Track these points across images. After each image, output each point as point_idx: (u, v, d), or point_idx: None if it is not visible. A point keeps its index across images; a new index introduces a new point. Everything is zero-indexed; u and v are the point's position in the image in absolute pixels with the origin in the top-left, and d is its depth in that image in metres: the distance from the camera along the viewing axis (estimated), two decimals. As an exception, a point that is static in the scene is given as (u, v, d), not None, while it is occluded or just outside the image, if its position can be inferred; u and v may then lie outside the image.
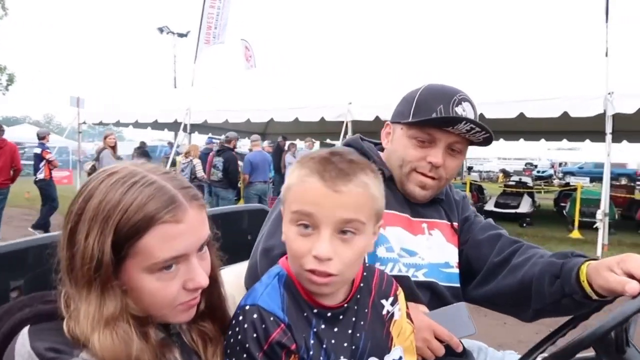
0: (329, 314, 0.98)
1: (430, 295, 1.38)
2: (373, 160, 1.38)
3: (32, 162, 9.82)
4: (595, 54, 7.40)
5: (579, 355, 1.07)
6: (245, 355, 0.92)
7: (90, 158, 12.94)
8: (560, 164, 38.89)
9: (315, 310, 0.97)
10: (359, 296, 1.04)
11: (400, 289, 1.13)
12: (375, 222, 0.98)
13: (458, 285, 1.44)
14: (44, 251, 0.89)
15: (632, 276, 1.00)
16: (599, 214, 7.45)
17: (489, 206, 11.89)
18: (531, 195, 12.58)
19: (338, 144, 8.22)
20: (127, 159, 8.68)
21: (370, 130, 1.53)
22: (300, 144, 13.70)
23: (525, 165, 36.30)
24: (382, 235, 1.32)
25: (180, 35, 34.75)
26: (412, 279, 1.35)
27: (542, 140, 14.65)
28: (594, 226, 7.79)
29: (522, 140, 14.67)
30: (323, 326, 0.97)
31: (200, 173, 9.34)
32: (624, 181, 19.15)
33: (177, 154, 12.14)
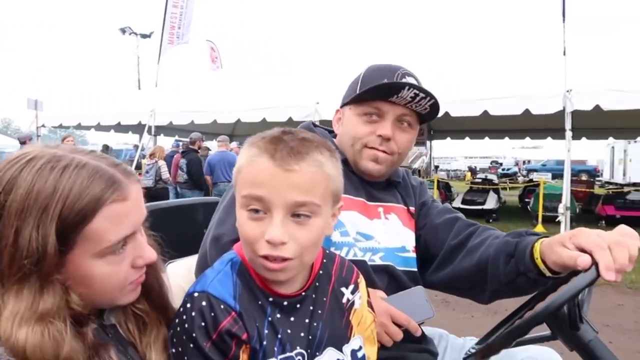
0: (285, 303, 0.94)
1: (388, 279, 1.35)
2: None
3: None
4: (554, 53, 7.63)
5: (535, 335, 1.07)
6: (191, 345, 0.86)
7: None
8: (524, 162, 40.09)
9: (270, 299, 0.93)
10: (317, 284, 0.99)
11: (361, 276, 1.10)
12: (333, 204, 0.93)
13: (415, 269, 1.42)
14: None
15: (584, 250, 0.99)
16: (561, 208, 7.65)
17: (457, 203, 12.17)
18: (497, 191, 12.99)
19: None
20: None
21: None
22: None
23: (491, 163, 37.34)
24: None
25: (144, 36, 34.21)
26: (369, 263, 1.33)
27: (507, 139, 15.10)
28: (557, 220, 8.02)
29: (487, 138, 15.08)
30: (279, 315, 0.93)
31: (165, 175, 9.15)
32: (584, 177, 19.87)
33: (142, 156, 11.87)
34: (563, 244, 1.05)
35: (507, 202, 14.86)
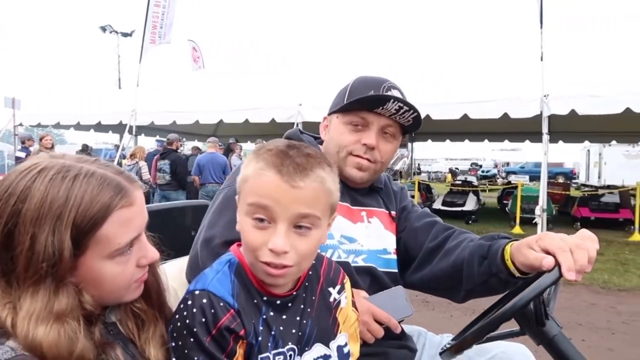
0: (278, 302, 1.00)
1: (370, 280, 1.42)
2: None
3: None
4: (532, 58, 7.80)
5: (505, 331, 1.15)
6: (192, 340, 0.92)
7: (28, 162, 12.24)
8: (503, 164, 40.72)
9: (265, 298, 0.99)
10: (307, 284, 1.06)
11: (347, 277, 1.17)
12: (329, 215, 1.00)
13: (396, 270, 1.49)
14: None
15: (548, 252, 1.08)
16: (538, 210, 7.81)
17: (437, 205, 12.30)
18: (476, 193, 13.17)
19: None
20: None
21: (321, 131, 1.59)
22: (250, 145, 13.58)
23: (471, 165, 37.80)
24: None
25: (124, 34, 33.76)
26: (352, 264, 1.40)
27: (486, 141, 15.29)
28: (534, 221, 8.19)
29: (467, 141, 15.26)
30: (272, 313, 0.99)
31: (146, 175, 9.08)
32: (560, 179, 20.32)
33: (123, 157, 11.75)
34: (530, 247, 1.14)
35: (487, 203, 15.10)
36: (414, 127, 1.46)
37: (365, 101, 1.39)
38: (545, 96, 7.35)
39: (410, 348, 1.44)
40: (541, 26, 7.62)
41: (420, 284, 1.50)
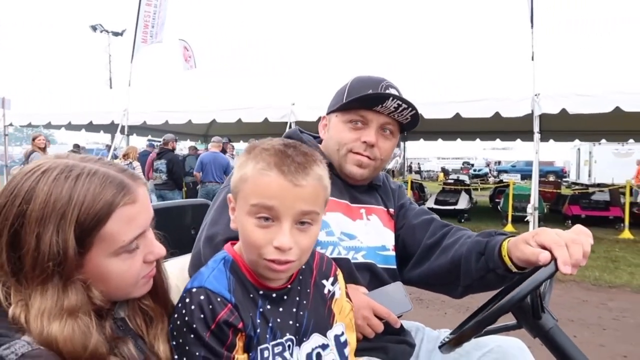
0: (273, 295, 1.03)
1: (370, 276, 1.44)
2: None
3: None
4: (523, 58, 7.87)
5: (503, 324, 1.18)
6: (192, 336, 0.94)
7: (18, 163, 12.18)
8: (495, 163, 40.99)
9: (261, 292, 1.01)
10: (301, 277, 1.09)
11: (339, 269, 1.20)
12: (324, 209, 1.03)
13: (394, 266, 1.52)
14: None
15: (545, 247, 1.11)
16: (529, 209, 7.88)
17: (430, 203, 12.37)
18: (468, 192, 13.26)
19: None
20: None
21: (314, 130, 1.60)
22: (243, 145, 13.57)
23: (463, 164, 38.04)
24: (323, 221, 1.37)
25: (115, 33, 33.53)
26: (352, 261, 1.42)
27: (478, 140, 15.37)
28: (525, 220, 8.26)
29: (459, 140, 15.34)
30: (269, 306, 1.01)
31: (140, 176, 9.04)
32: (551, 178, 20.48)
33: (115, 157, 11.69)
34: (527, 242, 1.17)
35: (479, 202, 15.19)
36: (411, 124, 1.49)
37: (365, 99, 1.42)
38: (536, 95, 7.41)
39: (409, 343, 1.47)
40: (532, 26, 7.68)
41: (419, 280, 1.53)
